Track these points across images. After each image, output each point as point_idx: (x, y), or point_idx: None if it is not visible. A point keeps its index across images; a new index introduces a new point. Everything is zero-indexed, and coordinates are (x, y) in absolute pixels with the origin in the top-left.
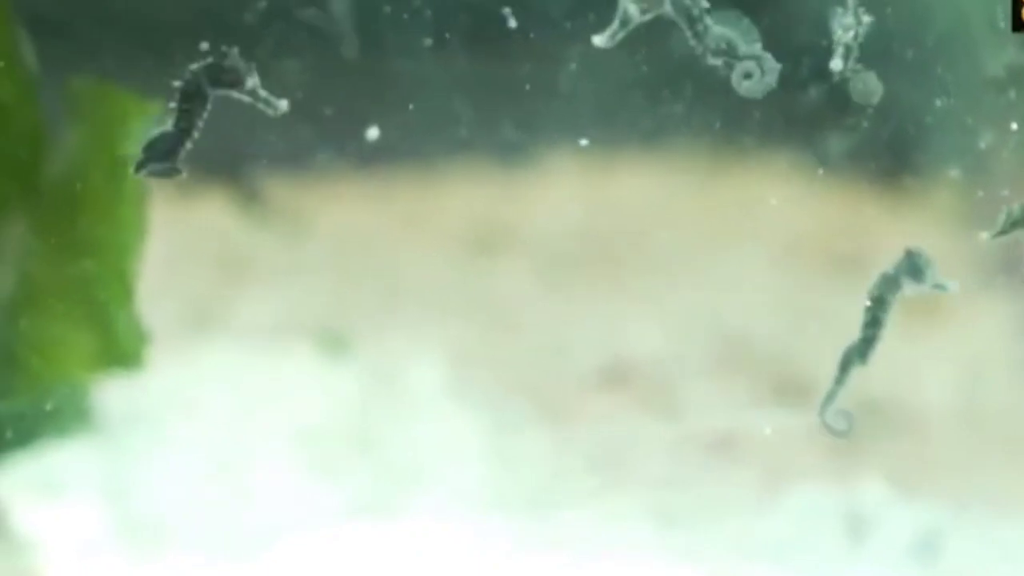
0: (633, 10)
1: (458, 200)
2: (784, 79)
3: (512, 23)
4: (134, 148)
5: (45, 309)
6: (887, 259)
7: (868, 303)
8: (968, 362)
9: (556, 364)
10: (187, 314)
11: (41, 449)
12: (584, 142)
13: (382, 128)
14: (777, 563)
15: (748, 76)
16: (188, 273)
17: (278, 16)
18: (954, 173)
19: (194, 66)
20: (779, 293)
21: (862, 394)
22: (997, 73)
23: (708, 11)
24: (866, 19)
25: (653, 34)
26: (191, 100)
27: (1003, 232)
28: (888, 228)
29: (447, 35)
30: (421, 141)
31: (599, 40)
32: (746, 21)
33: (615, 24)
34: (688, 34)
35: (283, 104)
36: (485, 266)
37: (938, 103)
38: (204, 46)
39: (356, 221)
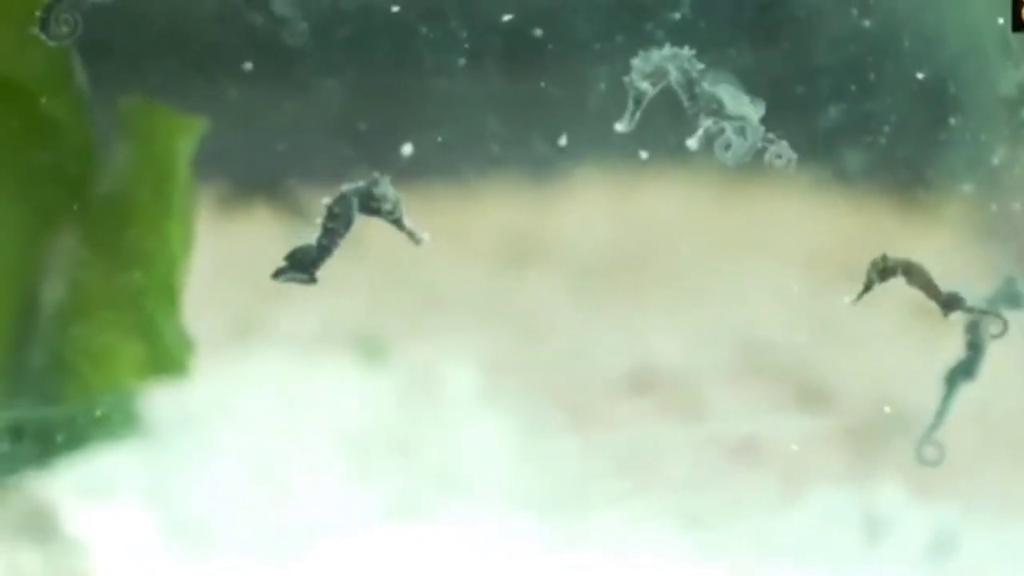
0: (644, 87)
1: (491, 214)
2: (804, 99)
3: (543, 44)
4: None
5: (95, 319)
6: None
7: (966, 331)
8: (981, 367)
9: (585, 371)
10: (231, 324)
11: (91, 453)
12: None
13: (418, 145)
14: (796, 562)
15: (728, 147)
16: (232, 284)
17: (318, 37)
18: (967, 188)
19: (346, 188)
20: (799, 303)
21: (879, 400)
22: (1009, 92)
23: (704, 72)
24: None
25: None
26: (336, 220)
27: (867, 288)
28: (904, 240)
29: (481, 55)
30: (456, 157)
31: (621, 126)
32: (734, 84)
33: (630, 106)
34: (683, 96)
35: (425, 236)
36: (517, 277)
37: (952, 121)
38: (248, 67)
39: (393, 234)
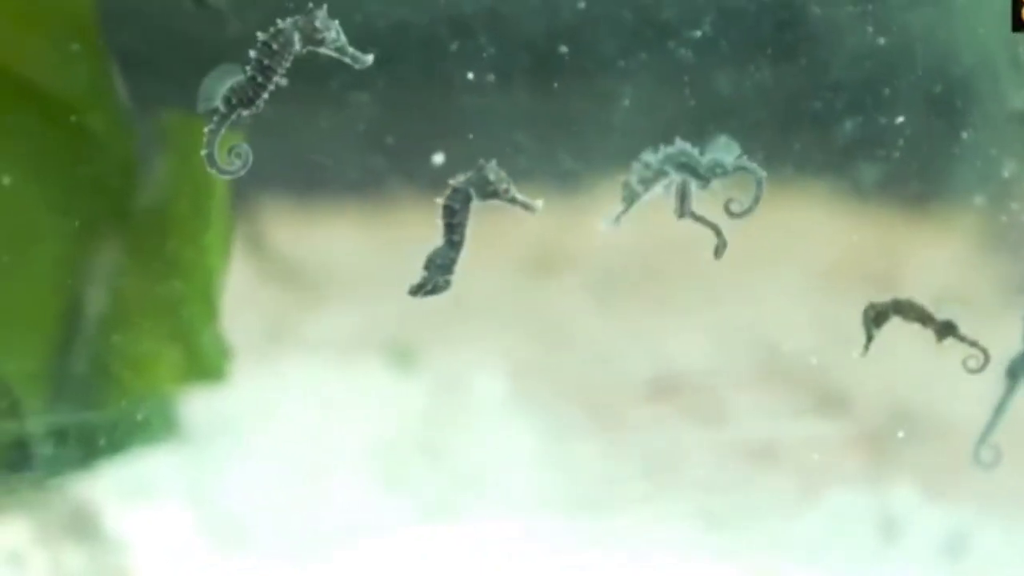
0: (640, 190)
1: (518, 224)
2: (821, 113)
3: (569, 61)
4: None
5: (136, 326)
6: (916, 278)
7: None
8: (992, 373)
9: (609, 376)
10: (266, 331)
11: (131, 456)
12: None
13: (449, 158)
14: (813, 562)
15: (732, 211)
16: (268, 293)
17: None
18: (979, 200)
19: (457, 181)
20: (817, 310)
21: (895, 404)
22: (1019, 107)
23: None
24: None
25: (699, 73)
26: (455, 215)
27: (870, 339)
28: (917, 250)
29: (509, 72)
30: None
31: (606, 224)
32: (724, 138)
33: (623, 206)
34: (691, 181)
35: (539, 204)
36: (543, 285)
37: (964, 135)
38: (283, 82)
39: (423, 243)
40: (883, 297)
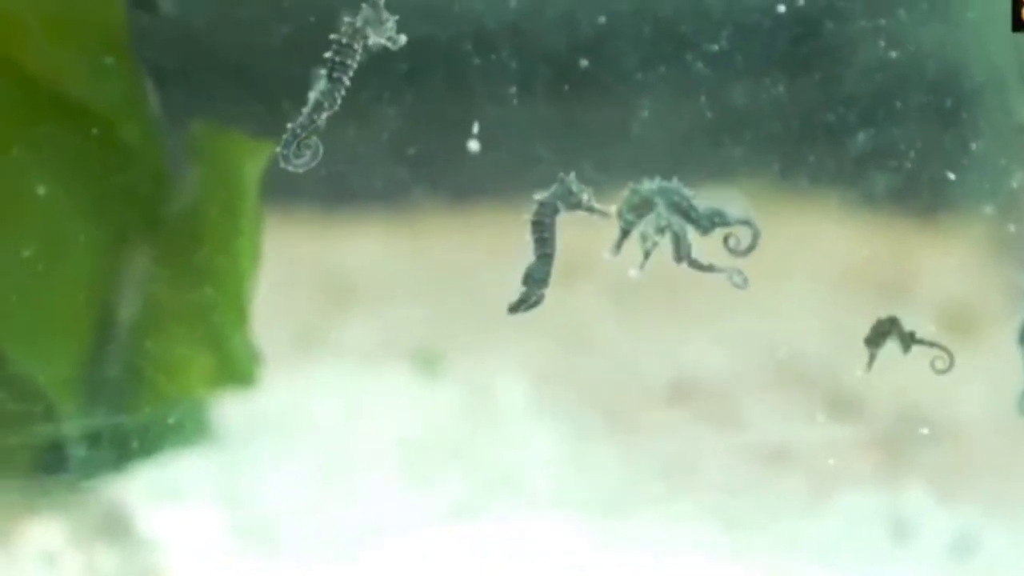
0: (631, 218)
1: None
2: (834, 125)
3: (589, 74)
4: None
5: (168, 331)
6: (927, 286)
7: None
8: (1000, 377)
9: (628, 381)
10: (296, 336)
11: (164, 458)
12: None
13: (472, 168)
14: (826, 562)
15: (730, 247)
16: (297, 299)
17: (377, 67)
18: (988, 210)
19: (542, 196)
20: (830, 317)
21: (905, 407)
22: None
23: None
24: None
25: (716, 86)
26: (544, 229)
27: (873, 358)
28: (928, 259)
29: (530, 84)
30: (507, 180)
31: (607, 254)
32: (735, 192)
33: (618, 235)
34: (686, 221)
35: (612, 209)
36: (564, 293)
37: (973, 146)
38: (311, 95)
39: (449, 252)
40: (894, 304)
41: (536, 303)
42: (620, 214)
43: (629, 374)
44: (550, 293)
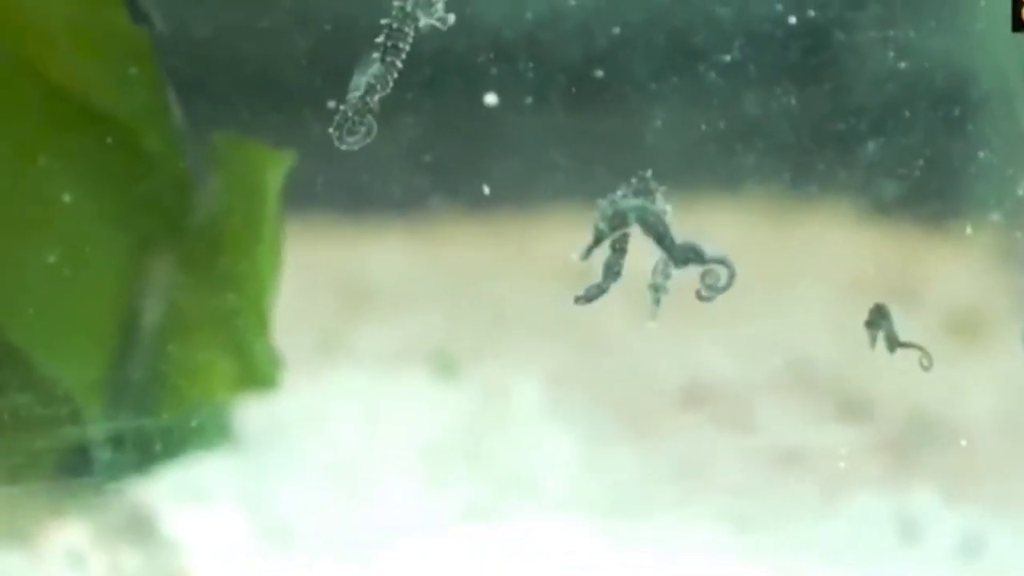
0: (603, 227)
1: (556, 239)
2: (845, 134)
3: (604, 84)
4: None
5: (191, 337)
6: (935, 291)
7: None
8: (1007, 380)
9: (642, 384)
10: (316, 341)
11: (187, 460)
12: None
13: (490, 176)
14: (836, 563)
15: (703, 296)
16: (317, 305)
17: (397, 78)
18: (995, 217)
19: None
20: (840, 322)
21: (913, 410)
22: None
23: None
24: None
25: (728, 95)
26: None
27: (874, 338)
28: (936, 265)
29: (547, 94)
30: (524, 187)
31: (576, 256)
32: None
33: (590, 241)
34: (658, 248)
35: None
36: None
37: (981, 155)
38: (331, 104)
39: (466, 258)
40: (903, 309)
41: (603, 293)
42: (594, 223)
43: (643, 378)
44: (564, 298)
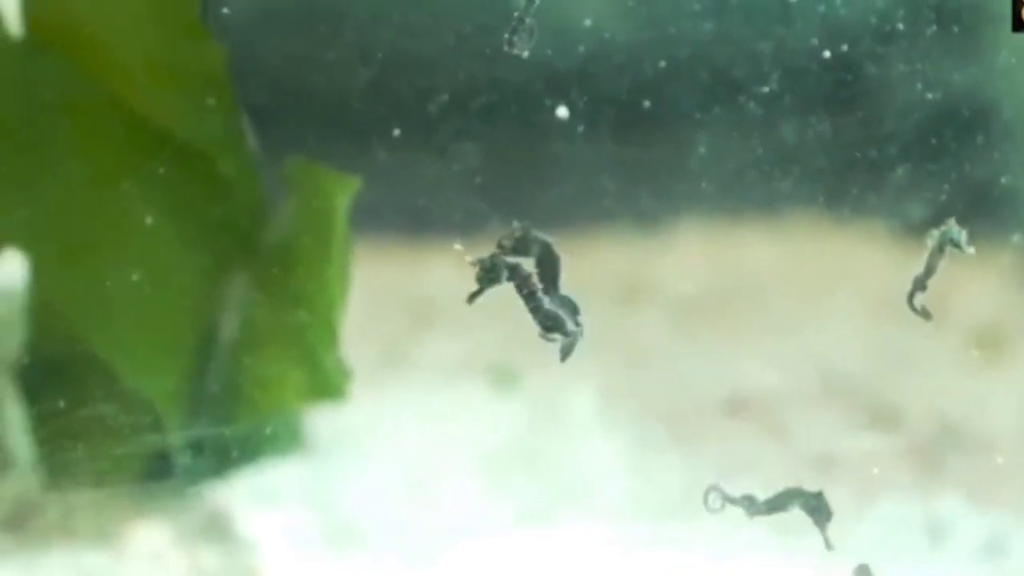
0: (481, 276)
1: (605, 260)
2: (875, 160)
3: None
4: (339, 216)
5: (264, 350)
6: (961, 308)
7: None
8: None
9: (687, 395)
10: (382, 355)
11: (261, 466)
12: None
13: (542, 200)
14: (868, 562)
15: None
16: (384, 320)
17: (456, 107)
18: (1016, 238)
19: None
20: (872, 337)
21: (941, 419)
22: None
23: (542, 290)
24: None
25: (766, 124)
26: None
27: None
28: (961, 284)
29: (597, 123)
30: (575, 210)
31: (468, 300)
32: (571, 300)
33: (477, 289)
34: (527, 307)
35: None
36: (628, 314)
37: (1003, 180)
38: (396, 132)
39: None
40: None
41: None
42: (477, 271)
43: (688, 389)
44: (615, 315)
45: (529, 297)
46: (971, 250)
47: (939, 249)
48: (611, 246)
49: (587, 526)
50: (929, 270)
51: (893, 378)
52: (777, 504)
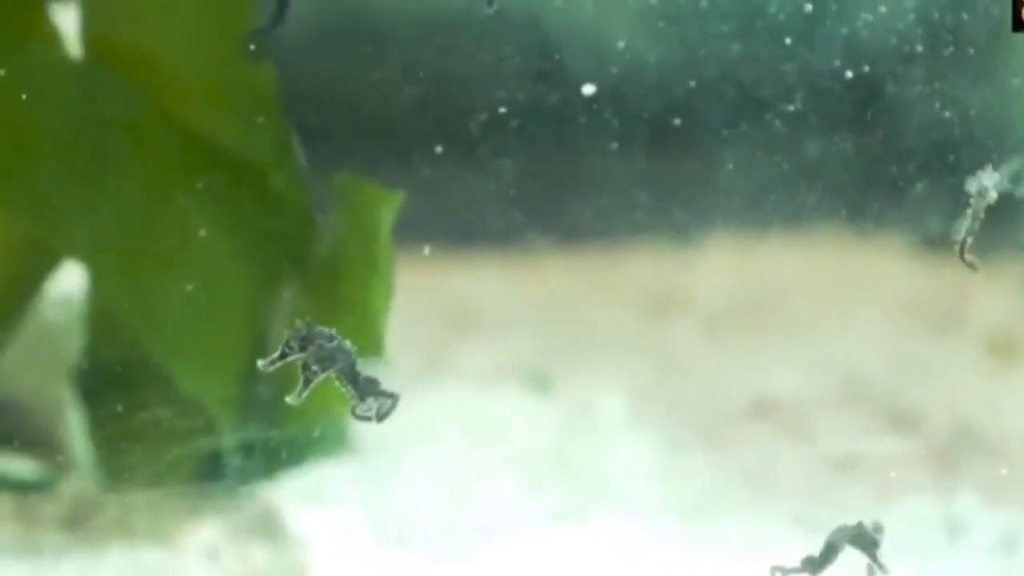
0: (316, 369)
1: (638, 270)
2: (896, 176)
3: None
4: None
5: None
6: (978, 316)
7: None
8: None
9: (715, 400)
10: (424, 361)
11: (309, 467)
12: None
13: (577, 213)
14: (889, 558)
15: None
16: (425, 329)
17: (495, 125)
18: None
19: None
20: (894, 344)
21: (958, 423)
22: None
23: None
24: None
25: (791, 141)
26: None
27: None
28: (978, 294)
29: (630, 140)
30: (609, 224)
31: (291, 399)
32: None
33: (300, 383)
34: (351, 393)
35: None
36: (659, 323)
37: (1018, 194)
38: (438, 149)
39: (557, 286)
40: (950, 332)
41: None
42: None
43: (716, 394)
44: (647, 323)
45: (346, 370)
46: (994, 196)
47: (980, 194)
48: (643, 257)
49: (619, 524)
50: (975, 215)
51: (912, 383)
52: (830, 552)
